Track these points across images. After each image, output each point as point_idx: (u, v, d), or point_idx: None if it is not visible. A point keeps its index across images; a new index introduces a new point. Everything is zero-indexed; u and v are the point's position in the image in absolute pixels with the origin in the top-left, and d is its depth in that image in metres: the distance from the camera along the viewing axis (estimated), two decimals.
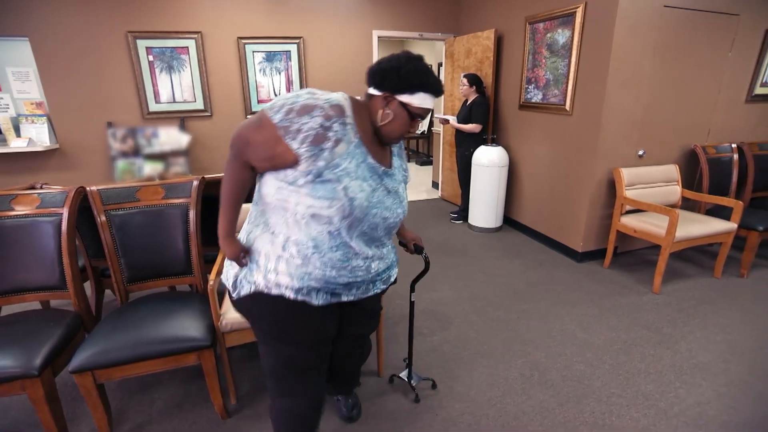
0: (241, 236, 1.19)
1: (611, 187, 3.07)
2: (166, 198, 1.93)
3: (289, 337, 1.19)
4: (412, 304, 1.74)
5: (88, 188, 1.80)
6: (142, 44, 3.64)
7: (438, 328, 2.36)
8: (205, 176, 2.07)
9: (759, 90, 3.44)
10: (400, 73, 1.06)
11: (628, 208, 2.97)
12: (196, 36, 3.78)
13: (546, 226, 3.55)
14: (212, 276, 1.68)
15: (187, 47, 3.80)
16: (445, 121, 4.09)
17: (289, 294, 1.11)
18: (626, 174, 2.93)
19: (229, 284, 1.20)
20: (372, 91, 1.11)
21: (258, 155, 1.04)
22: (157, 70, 3.77)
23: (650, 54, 2.80)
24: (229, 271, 1.20)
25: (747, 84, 3.36)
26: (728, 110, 3.36)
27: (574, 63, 2.97)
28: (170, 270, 1.95)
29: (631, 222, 2.90)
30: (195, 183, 1.96)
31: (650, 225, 2.75)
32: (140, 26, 3.61)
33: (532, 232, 3.72)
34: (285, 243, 1.09)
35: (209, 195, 2.12)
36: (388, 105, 1.09)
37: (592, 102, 2.90)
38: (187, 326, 1.62)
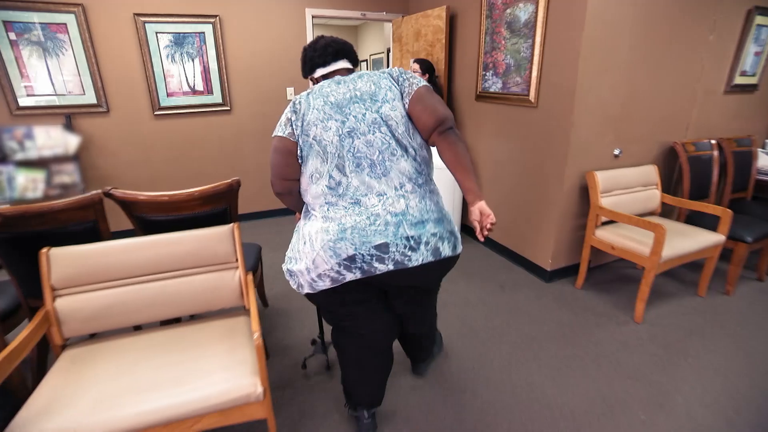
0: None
1: (584, 194, 2.61)
2: None
3: None
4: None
5: None
6: None
7: None
8: (11, 207, 1.39)
9: (738, 79, 3.06)
10: None
11: (604, 219, 2.51)
12: (75, 9, 2.98)
13: (509, 238, 3.07)
14: None
15: (65, 24, 3.01)
16: None
17: None
18: (602, 179, 2.47)
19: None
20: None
21: None
22: (24, 53, 2.96)
23: (628, 35, 2.33)
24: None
25: (726, 72, 2.98)
26: (706, 102, 2.97)
27: (538, 44, 2.46)
28: None
29: (607, 236, 2.44)
30: None
31: (631, 241, 2.30)
32: None
33: (494, 244, 3.23)
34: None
35: (25, 233, 1.45)
36: None
37: (561, 92, 2.40)
38: None
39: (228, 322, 1.58)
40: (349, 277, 1.20)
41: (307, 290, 1.28)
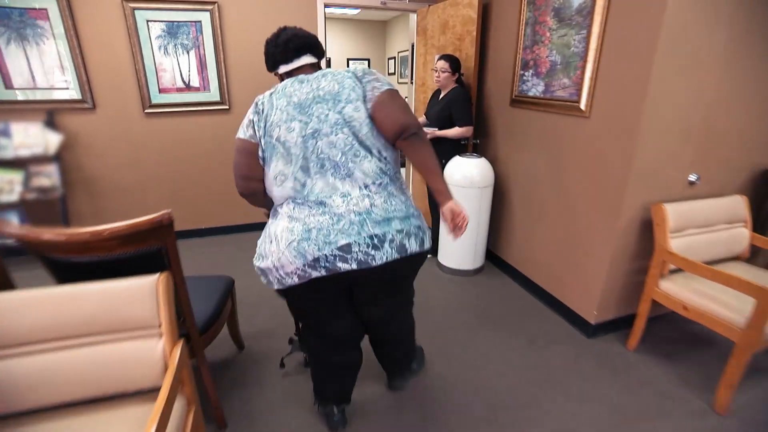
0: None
1: (645, 230, 2.02)
2: None
3: None
4: None
5: None
6: None
7: None
8: None
9: None
10: None
11: (672, 266, 1.92)
12: None
13: (544, 277, 2.50)
14: None
15: (46, 9, 2.69)
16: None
17: None
18: (672, 213, 1.88)
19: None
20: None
21: None
22: (1, 42, 2.67)
23: (726, 21, 1.72)
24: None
25: None
26: None
27: (596, 36, 1.89)
28: None
29: (677, 291, 1.85)
30: None
31: (714, 302, 1.70)
32: None
33: (525, 280, 2.68)
34: None
35: None
36: None
37: (624, 98, 1.83)
38: None
39: (144, 411, 1.15)
40: (315, 274, 1.19)
41: (277, 286, 1.27)
